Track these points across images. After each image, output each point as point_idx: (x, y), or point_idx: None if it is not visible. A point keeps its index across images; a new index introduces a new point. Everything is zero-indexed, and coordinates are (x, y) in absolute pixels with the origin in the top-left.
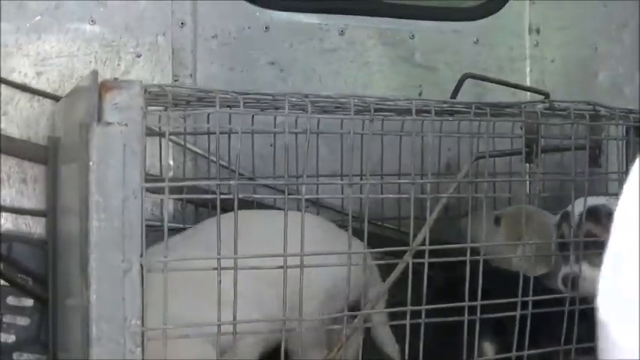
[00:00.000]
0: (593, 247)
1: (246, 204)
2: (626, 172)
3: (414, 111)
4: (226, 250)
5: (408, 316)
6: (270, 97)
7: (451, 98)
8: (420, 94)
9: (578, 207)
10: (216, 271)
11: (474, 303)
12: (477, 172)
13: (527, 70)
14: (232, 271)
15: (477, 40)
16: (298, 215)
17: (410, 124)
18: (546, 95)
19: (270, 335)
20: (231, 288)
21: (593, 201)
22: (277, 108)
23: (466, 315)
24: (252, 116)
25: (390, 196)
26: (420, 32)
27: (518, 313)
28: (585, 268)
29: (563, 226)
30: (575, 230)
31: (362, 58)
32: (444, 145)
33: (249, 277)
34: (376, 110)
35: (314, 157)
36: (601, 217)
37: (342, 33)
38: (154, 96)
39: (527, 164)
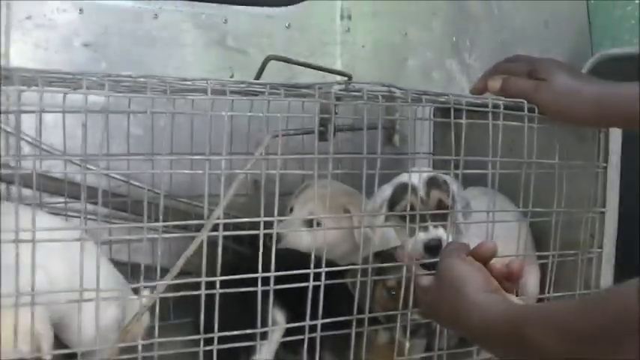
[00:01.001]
0: (440, 213)
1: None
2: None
3: (209, 91)
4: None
5: (203, 287)
6: (71, 77)
7: (255, 79)
8: (231, 77)
9: (405, 179)
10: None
11: (267, 274)
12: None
13: (338, 54)
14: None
15: (289, 25)
16: None
17: (218, 103)
18: (349, 77)
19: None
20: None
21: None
22: (88, 88)
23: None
24: (64, 95)
25: (185, 171)
26: (232, 17)
27: (311, 284)
28: (441, 233)
29: (405, 197)
30: (425, 198)
31: (176, 42)
32: (254, 126)
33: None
34: (178, 90)
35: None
36: (441, 184)
37: (155, 17)
38: None
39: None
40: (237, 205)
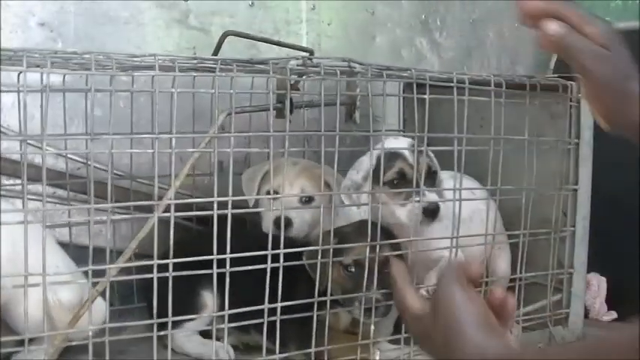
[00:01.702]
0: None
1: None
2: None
3: (157, 67)
4: None
5: (155, 270)
6: (12, 53)
7: (213, 55)
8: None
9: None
10: None
11: (209, 257)
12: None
13: (304, 32)
14: None
15: (253, 3)
16: None
17: (181, 80)
18: (310, 52)
19: None
20: None
21: (395, 142)
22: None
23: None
24: (19, 74)
25: (133, 150)
26: None
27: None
28: (436, 197)
29: (394, 164)
30: (415, 164)
31: (135, 21)
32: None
33: None
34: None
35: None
36: (427, 152)
37: None
38: None
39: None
40: (201, 187)
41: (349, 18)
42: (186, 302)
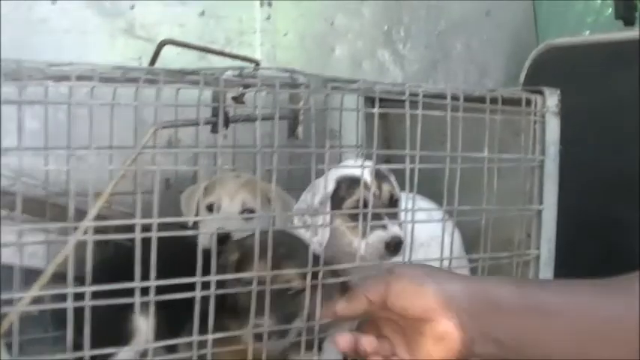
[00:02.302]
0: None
1: None
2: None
3: (73, 77)
4: None
5: (70, 299)
6: None
7: (149, 66)
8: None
9: (338, 174)
10: None
11: (132, 284)
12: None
13: (258, 43)
14: None
15: (203, 12)
16: None
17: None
18: (257, 63)
19: None
20: None
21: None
22: None
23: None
24: None
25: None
26: (140, 3)
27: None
28: (399, 230)
29: (355, 192)
30: (377, 192)
31: (77, 30)
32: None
33: None
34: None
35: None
36: (388, 177)
37: (53, 2)
38: None
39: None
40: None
41: (307, 29)
42: (114, 331)
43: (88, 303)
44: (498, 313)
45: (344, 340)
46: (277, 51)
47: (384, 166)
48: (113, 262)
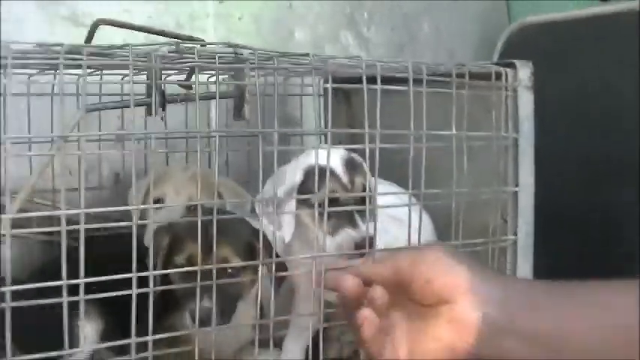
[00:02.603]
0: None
1: None
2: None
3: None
4: None
5: (9, 299)
6: None
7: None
8: None
9: (306, 164)
10: None
11: (59, 282)
12: None
13: (212, 28)
14: None
15: None
16: None
17: None
18: (202, 42)
19: None
20: None
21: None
22: None
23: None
24: None
25: None
26: None
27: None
28: (369, 229)
29: (324, 184)
30: (349, 186)
31: (15, 18)
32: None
33: None
34: None
35: None
36: (361, 167)
37: None
38: None
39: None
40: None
41: (263, 12)
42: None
43: (9, 304)
44: (537, 309)
45: (349, 282)
46: (232, 36)
47: (352, 153)
48: (57, 263)
